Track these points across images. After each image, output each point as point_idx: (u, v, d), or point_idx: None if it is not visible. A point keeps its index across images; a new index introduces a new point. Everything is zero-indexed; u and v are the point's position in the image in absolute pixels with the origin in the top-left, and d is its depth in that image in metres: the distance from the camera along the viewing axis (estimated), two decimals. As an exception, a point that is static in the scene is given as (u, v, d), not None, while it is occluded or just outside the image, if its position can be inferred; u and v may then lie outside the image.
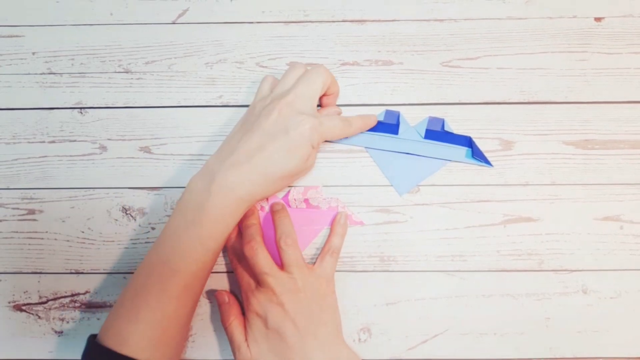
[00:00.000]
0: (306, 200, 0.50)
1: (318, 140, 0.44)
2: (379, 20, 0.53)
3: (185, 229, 0.41)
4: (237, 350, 0.44)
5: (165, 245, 0.42)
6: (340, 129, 0.46)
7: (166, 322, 0.41)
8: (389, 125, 0.50)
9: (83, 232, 0.50)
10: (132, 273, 0.48)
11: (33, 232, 0.50)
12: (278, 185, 0.44)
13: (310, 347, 0.42)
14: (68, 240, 0.50)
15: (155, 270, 0.41)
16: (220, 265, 0.49)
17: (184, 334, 0.44)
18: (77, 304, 0.49)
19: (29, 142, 0.51)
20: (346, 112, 0.51)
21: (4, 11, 0.54)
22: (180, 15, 0.54)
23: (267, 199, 0.50)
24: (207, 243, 0.42)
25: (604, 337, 0.48)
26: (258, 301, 0.44)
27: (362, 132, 0.50)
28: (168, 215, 0.50)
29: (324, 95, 0.48)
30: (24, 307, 0.49)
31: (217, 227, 0.42)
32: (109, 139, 0.51)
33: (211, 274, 0.49)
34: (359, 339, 0.48)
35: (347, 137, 0.50)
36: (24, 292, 0.49)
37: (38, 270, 0.49)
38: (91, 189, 0.50)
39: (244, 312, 0.46)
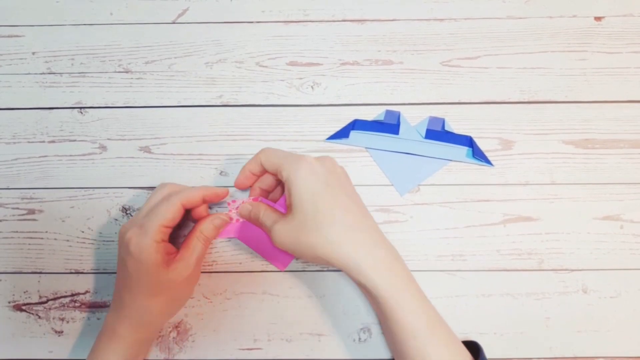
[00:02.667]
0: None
1: (153, 229, 0.41)
2: (379, 20, 0.53)
3: None
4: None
5: None
6: (168, 203, 0.42)
7: None
8: (389, 125, 0.50)
9: (83, 232, 0.50)
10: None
11: (33, 232, 0.50)
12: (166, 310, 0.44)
13: None
14: (68, 240, 0.50)
15: None
16: (223, 265, 0.49)
17: None
18: (77, 304, 0.49)
19: (29, 142, 0.51)
20: (345, 111, 0.51)
21: (4, 11, 0.54)
22: (180, 15, 0.54)
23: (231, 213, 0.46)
24: None
25: (604, 337, 0.48)
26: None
27: (359, 135, 0.50)
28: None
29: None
30: (24, 307, 0.49)
31: None
32: (109, 139, 0.51)
33: (210, 274, 0.49)
34: (359, 339, 0.48)
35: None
36: (24, 292, 0.49)
37: (38, 270, 0.49)
38: (91, 189, 0.50)
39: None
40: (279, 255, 0.49)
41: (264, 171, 0.44)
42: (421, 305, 0.40)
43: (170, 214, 0.42)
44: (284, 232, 0.41)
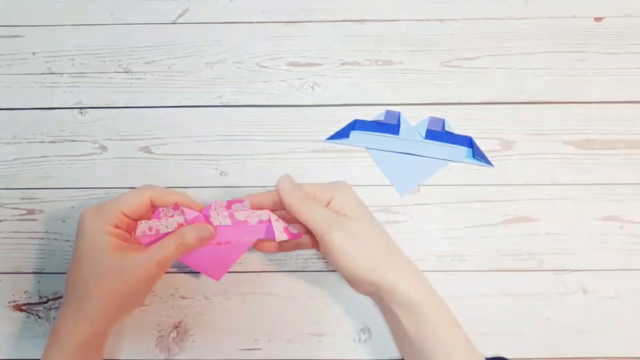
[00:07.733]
0: (231, 215, 0.42)
1: (109, 218, 0.39)
2: (379, 20, 0.53)
3: None
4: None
5: None
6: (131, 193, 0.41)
7: None
8: (389, 126, 0.50)
9: (83, 232, 0.50)
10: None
11: (33, 232, 0.50)
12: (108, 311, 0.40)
13: None
14: (68, 240, 0.50)
15: None
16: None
17: None
18: (77, 304, 0.49)
19: (29, 142, 0.51)
20: (345, 112, 0.51)
21: (4, 11, 0.54)
22: (180, 15, 0.54)
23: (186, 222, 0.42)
24: None
25: (604, 337, 0.48)
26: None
27: (359, 135, 0.50)
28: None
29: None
30: (24, 307, 0.49)
31: None
32: (109, 139, 0.51)
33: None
34: (359, 339, 0.48)
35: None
36: (24, 292, 0.49)
37: (38, 270, 0.49)
38: (91, 189, 0.50)
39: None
40: (214, 266, 0.45)
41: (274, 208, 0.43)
42: (455, 322, 0.41)
43: (133, 202, 0.40)
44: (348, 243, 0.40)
